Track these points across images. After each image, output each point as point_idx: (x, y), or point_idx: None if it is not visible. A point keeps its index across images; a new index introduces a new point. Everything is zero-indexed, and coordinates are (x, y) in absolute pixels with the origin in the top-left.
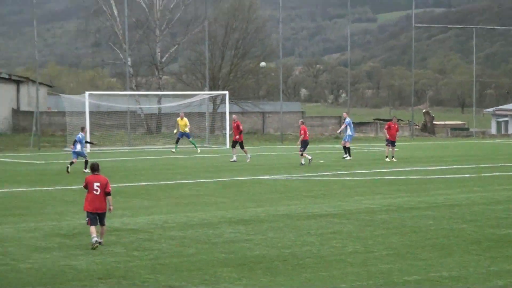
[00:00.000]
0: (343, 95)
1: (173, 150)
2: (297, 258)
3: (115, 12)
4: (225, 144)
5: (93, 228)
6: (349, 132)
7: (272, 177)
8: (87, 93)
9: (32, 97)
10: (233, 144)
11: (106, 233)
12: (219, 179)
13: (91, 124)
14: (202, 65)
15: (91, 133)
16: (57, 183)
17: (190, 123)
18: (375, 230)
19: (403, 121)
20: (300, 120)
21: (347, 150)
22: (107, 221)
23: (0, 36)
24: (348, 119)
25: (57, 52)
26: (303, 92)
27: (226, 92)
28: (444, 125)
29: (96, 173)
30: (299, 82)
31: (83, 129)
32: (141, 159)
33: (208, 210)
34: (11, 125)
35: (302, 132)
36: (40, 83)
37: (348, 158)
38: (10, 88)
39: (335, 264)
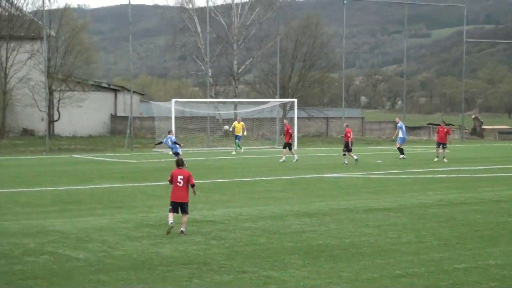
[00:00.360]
0: (399, 102)
1: (241, 150)
2: (356, 247)
3: (199, 29)
4: (293, 145)
5: (171, 214)
6: (401, 135)
7: (334, 175)
8: (173, 100)
9: (127, 104)
10: (284, 146)
11: (188, 224)
12: (287, 177)
13: (176, 128)
14: (273, 75)
15: (175, 136)
16: (146, 180)
17: (262, 127)
18: (427, 223)
19: (454, 125)
20: (345, 124)
21: (401, 150)
22: (189, 214)
23: (101, 51)
24: (400, 124)
25: (148, 64)
26: (363, 99)
27: (295, 100)
28: (492, 129)
29: (180, 167)
30: (359, 90)
31: (170, 132)
32: (219, 158)
33: (277, 204)
34: (109, 128)
35: (349, 134)
36: (133, 92)
37: (403, 157)
38: (109, 96)
39: (390, 252)
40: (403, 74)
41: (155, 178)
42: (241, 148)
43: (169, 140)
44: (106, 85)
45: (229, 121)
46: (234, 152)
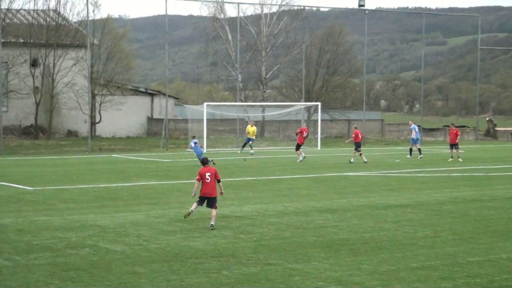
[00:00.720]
0: (417, 105)
1: (251, 151)
2: (375, 241)
3: (230, 37)
4: (316, 146)
5: (195, 204)
6: (413, 135)
7: (355, 173)
8: (205, 104)
9: (163, 107)
10: (297, 147)
11: (218, 219)
12: (311, 175)
13: (207, 129)
14: (299, 80)
15: (207, 137)
16: (180, 178)
17: (288, 129)
18: (443, 219)
19: (469, 127)
20: (354, 126)
21: (413, 150)
22: (219, 209)
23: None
24: (413, 125)
25: (182, 70)
26: (383, 103)
27: (319, 103)
28: (505, 131)
29: (207, 165)
30: (379, 94)
31: (194, 137)
32: (247, 158)
33: (301, 201)
34: (146, 130)
35: (354, 135)
36: (169, 96)
37: (420, 156)
38: (146, 100)
39: (408, 246)
40: (420, 79)
41: (188, 176)
42: (251, 148)
43: (192, 143)
44: (143, 90)
45: (256, 123)
46: (252, 151)
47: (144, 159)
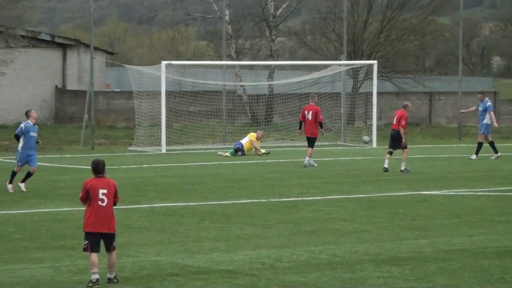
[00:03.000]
0: None
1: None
2: None
3: None
4: (370, 140)
5: (93, 257)
6: (486, 120)
7: (443, 192)
8: (163, 63)
9: (84, 69)
10: (309, 142)
11: (186, 275)
12: (359, 195)
13: (168, 110)
14: (337, 20)
15: (167, 125)
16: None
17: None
18: None
19: None
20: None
21: (491, 145)
22: (186, 256)
23: None
24: (488, 103)
25: (121, 2)
26: (496, 61)
27: (374, 62)
28: None
29: (101, 175)
30: (489, 46)
31: (28, 113)
32: (241, 163)
33: (342, 242)
34: (53, 111)
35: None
36: (96, 48)
37: (498, 156)
38: (53, 56)
39: None
40: None
41: (129, 198)
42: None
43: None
44: (47, 38)
45: (258, 99)
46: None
47: (49, 165)
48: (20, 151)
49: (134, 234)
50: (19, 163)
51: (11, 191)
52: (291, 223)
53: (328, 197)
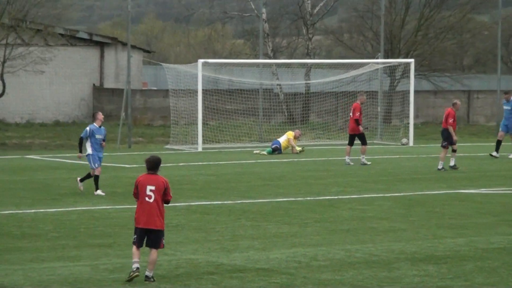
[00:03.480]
0: None
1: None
2: None
3: None
4: (407, 139)
5: (134, 249)
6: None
7: (480, 190)
8: (200, 61)
9: (121, 68)
10: (350, 140)
11: (223, 273)
12: (396, 194)
13: (204, 108)
14: (374, 18)
15: (204, 123)
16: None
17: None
18: None
19: None
20: (456, 101)
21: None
22: (222, 255)
23: None
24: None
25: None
26: None
27: (411, 61)
28: None
29: (152, 172)
30: None
31: (95, 115)
32: (277, 161)
33: (378, 241)
34: (90, 109)
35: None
36: (133, 47)
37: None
38: (91, 54)
39: None
40: None
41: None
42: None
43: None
44: (85, 36)
45: (295, 98)
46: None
47: (86, 163)
48: (91, 153)
49: (170, 233)
50: (96, 165)
51: (102, 194)
52: (327, 221)
53: (364, 195)
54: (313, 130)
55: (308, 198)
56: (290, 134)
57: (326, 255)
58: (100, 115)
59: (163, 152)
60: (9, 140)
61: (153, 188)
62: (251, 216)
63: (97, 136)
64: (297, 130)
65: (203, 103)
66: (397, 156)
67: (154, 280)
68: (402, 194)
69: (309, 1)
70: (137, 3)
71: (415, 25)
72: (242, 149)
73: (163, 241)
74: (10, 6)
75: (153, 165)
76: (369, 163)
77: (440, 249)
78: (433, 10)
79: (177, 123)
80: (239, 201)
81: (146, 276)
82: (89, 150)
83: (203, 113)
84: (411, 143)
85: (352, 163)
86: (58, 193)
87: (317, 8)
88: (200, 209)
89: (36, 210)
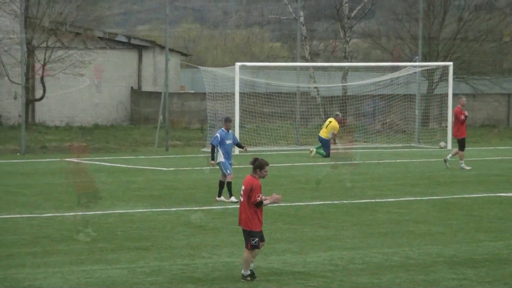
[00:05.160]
0: None
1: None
2: None
3: None
4: (445, 142)
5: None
6: None
7: None
8: (237, 64)
9: (159, 71)
10: (460, 144)
11: (261, 277)
12: (433, 197)
13: (241, 111)
14: (413, 21)
15: (241, 126)
16: (190, 202)
17: (390, 111)
18: None
19: None
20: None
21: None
22: (260, 258)
23: None
24: None
25: (195, 4)
26: None
27: (450, 64)
28: None
29: (253, 173)
30: None
31: (227, 120)
32: (313, 165)
33: (416, 245)
34: (129, 113)
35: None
36: (171, 50)
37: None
38: (129, 58)
39: None
40: None
41: (206, 198)
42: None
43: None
44: (124, 39)
45: (332, 101)
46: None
47: (124, 166)
48: (223, 161)
49: (207, 236)
50: (228, 171)
51: (235, 200)
52: (364, 225)
53: (401, 199)
54: (351, 133)
55: (344, 202)
56: (336, 129)
57: (363, 259)
58: (230, 121)
59: (200, 155)
60: (49, 143)
61: (243, 188)
62: (288, 219)
63: (227, 142)
64: (338, 116)
65: (240, 106)
66: (434, 160)
67: (250, 279)
68: (439, 197)
69: (346, 4)
70: (175, 6)
71: (454, 28)
72: (279, 152)
73: (252, 241)
74: (50, 10)
75: (254, 166)
76: (467, 167)
77: (478, 253)
78: (472, 12)
79: (214, 126)
80: (275, 204)
81: (242, 275)
82: (220, 158)
83: (240, 116)
84: (449, 147)
85: (467, 167)
86: (96, 196)
87: (355, 11)
88: (237, 213)
89: (74, 213)
